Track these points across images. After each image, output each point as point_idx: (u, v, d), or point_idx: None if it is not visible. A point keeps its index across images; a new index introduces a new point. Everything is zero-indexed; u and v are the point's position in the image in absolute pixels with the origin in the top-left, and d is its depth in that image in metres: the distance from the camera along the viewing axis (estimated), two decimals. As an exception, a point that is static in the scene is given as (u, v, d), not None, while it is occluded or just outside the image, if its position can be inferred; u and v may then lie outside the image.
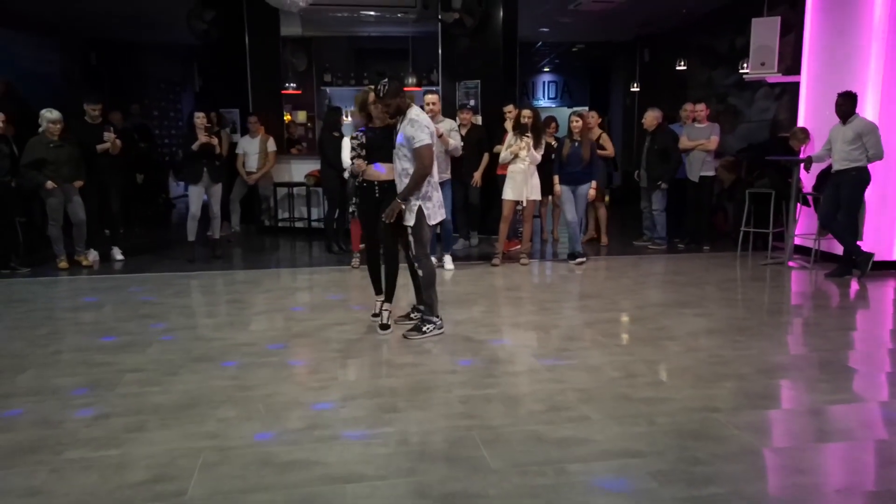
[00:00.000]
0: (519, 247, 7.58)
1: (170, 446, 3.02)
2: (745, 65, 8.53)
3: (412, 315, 4.97)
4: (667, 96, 12.38)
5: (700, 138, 7.99)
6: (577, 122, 7.06)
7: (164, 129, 14.85)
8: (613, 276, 6.71)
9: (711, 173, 8.10)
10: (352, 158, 4.75)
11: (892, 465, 2.89)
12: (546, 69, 18.37)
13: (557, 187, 7.22)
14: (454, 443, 3.05)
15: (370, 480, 2.72)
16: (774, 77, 7.97)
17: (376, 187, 4.68)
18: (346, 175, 5.38)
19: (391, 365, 4.12)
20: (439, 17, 8.33)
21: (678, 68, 11.48)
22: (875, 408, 3.48)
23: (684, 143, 8.05)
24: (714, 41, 10.88)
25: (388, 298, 4.82)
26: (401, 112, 4.48)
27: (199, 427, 3.22)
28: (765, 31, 7.76)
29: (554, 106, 18.37)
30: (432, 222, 4.58)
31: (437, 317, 4.69)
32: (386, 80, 4.43)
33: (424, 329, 4.61)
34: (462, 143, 7.77)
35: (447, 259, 7.03)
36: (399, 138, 4.43)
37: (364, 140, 4.70)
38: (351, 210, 5.44)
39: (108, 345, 4.55)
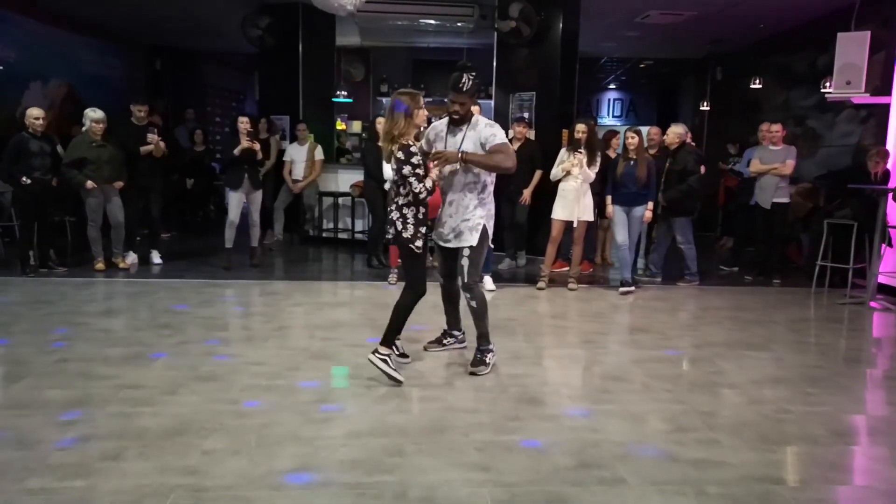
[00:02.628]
0: (567, 268, 7.07)
1: (141, 481, 2.68)
2: (827, 84, 7.82)
3: (445, 341, 4.53)
4: (739, 117, 11.67)
5: (774, 162, 7.31)
6: (632, 138, 6.52)
7: (226, 135, 14.95)
8: (669, 309, 6.12)
9: (785, 200, 7.39)
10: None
11: None
12: (611, 86, 17.77)
13: (610, 208, 6.68)
14: (462, 501, 2.61)
15: (353, 544, 2.31)
16: (861, 97, 7.24)
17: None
18: (387, 186, 4.68)
19: (406, 398, 3.69)
20: (495, 25, 7.94)
21: (752, 87, 10.73)
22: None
23: (756, 166, 7.38)
24: (792, 60, 10.12)
25: (398, 333, 4.05)
26: (467, 117, 3.97)
27: (180, 460, 2.88)
28: (852, 48, 7.06)
29: (619, 124, 17.70)
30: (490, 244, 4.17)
31: (492, 342, 4.21)
32: (464, 70, 3.84)
33: (488, 360, 4.12)
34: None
35: (487, 280, 6.57)
36: (466, 144, 3.92)
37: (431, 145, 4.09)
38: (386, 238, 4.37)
39: (116, 355, 4.29)
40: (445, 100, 3.98)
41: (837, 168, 8.52)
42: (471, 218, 3.98)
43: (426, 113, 3.93)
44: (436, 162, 3.86)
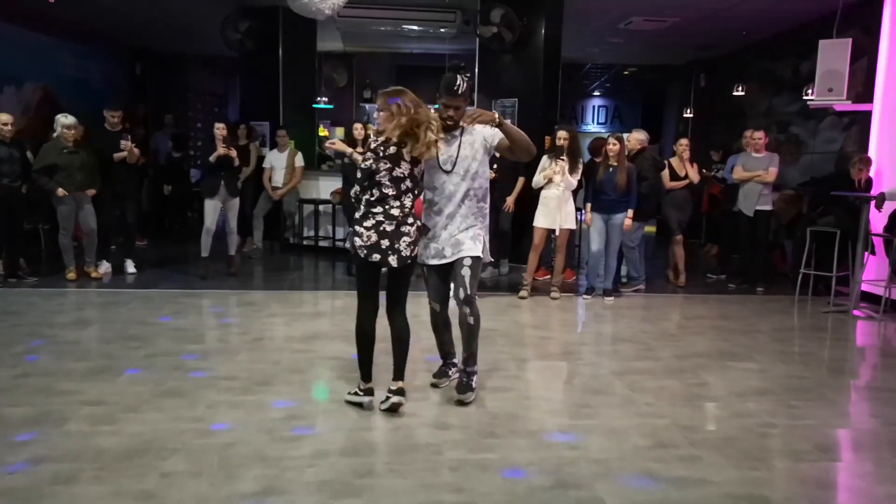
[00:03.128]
0: (549, 276, 6.97)
1: (93, 507, 2.54)
2: (809, 91, 7.79)
3: (451, 372, 3.98)
4: (723, 124, 11.66)
5: (757, 169, 7.26)
6: (613, 144, 6.43)
7: (207, 141, 14.76)
8: (652, 318, 6.03)
9: (768, 207, 7.34)
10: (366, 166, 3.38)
11: None
12: (596, 93, 17.76)
13: (588, 215, 6.59)
14: (430, 526, 2.49)
15: (314, 575, 2.18)
16: (843, 105, 7.21)
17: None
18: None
19: (378, 414, 3.56)
20: (477, 31, 7.85)
21: (736, 94, 10.73)
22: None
23: (739, 173, 7.33)
24: (776, 66, 10.12)
25: (401, 375, 3.58)
26: (456, 123, 3.56)
27: (137, 483, 2.74)
28: (834, 55, 7.03)
29: (604, 132, 17.69)
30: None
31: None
32: (457, 71, 3.50)
33: (474, 384, 3.72)
34: (495, 166, 7.29)
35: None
36: (465, 151, 3.55)
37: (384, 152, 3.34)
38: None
39: (80, 369, 4.14)
40: (436, 105, 3.58)
41: (821, 175, 8.50)
42: (470, 228, 3.61)
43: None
44: (470, 120, 3.52)
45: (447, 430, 3.36)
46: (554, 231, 6.67)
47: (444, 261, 3.61)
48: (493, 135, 3.59)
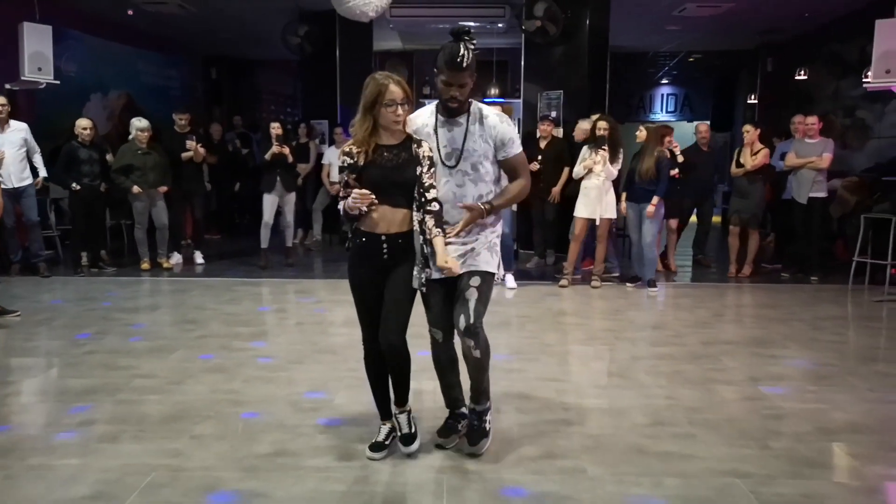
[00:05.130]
0: (592, 267, 7.06)
1: (129, 461, 2.91)
2: (868, 73, 7.50)
3: (461, 426, 3.12)
4: (790, 109, 11.26)
5: (810, 155, 7.07)
6: (640, 132, 6.46)
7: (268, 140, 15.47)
8: (691, 306, 6.03)
9: (822, 194, 7.13)
10: (340, 189, 2.88)
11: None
12: (664, 81, 17.40)
13: (623, 205, 6.62)
14: (416, 487, 2.73)
15: (304, 522, 2.46)
16: (902, 86, 6.92)
17: (384, 242, 2.83)
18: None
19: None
20: (522, 26, 7.98)
21: (799, 78, 10.39)
22: (959, 492, 2.77)
23: (791, 160, 7.16)
24: (842, 48, 9.73)
25: (404, 400, 3.04)
26: (466, 105, 2.89)
27: (170, 443, 3.10)
28: (891, 35, 6.76)
29: (673, 120, 17.33)
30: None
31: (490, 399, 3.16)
32: (460, 38, 2.76)
33: (488, 426, 3.08)
34: (540, 157, 7.43)
35: (509, 278, 6.64)
36: (472, 143, 2.88)
37: (358, 162, 2.77)
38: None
39: (139, 348, 4.61)
40: (437, 83, 2.86)
41: (887, 160, 8.16)
42: (487, 235, 2.97)
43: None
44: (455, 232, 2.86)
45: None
46: (595, 221, 6.75)
47: (448, 274, 2.85)
48: (505, 140, 2.91)
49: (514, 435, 3.21)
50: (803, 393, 3.84)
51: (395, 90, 2.73)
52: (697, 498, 2.65)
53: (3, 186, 5.76)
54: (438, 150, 2.89)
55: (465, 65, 2.74)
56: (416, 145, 2.82)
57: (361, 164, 2.78)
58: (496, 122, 2.91)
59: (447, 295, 2.94)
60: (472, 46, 2.79)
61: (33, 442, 3.12)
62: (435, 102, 2.98)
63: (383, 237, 2.82)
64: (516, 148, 2.95)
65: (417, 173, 2.79)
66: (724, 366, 4.32)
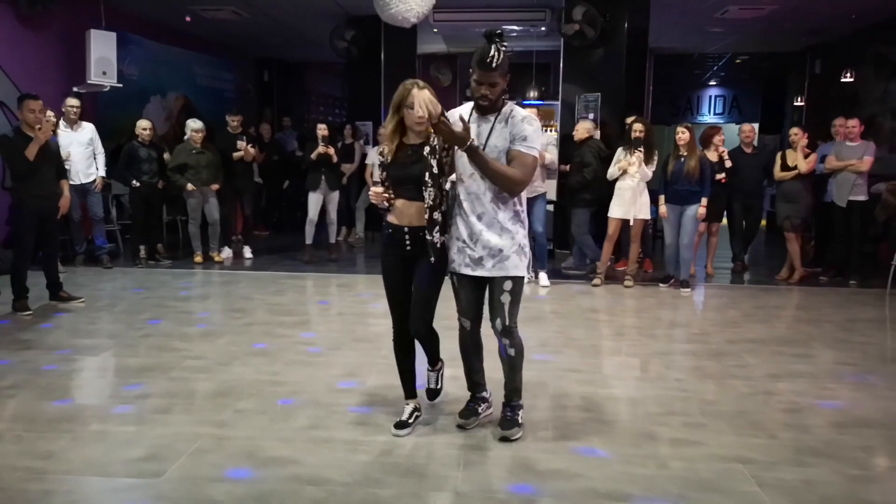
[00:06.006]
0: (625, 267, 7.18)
1: (179, 430, 3.23)
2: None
3: (480, 409, 3.39)
4: (837, 111, 11.09)
5: (851, 158, 7.05)
6: (683, 134, 6.54)
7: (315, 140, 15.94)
8: (720, 307, 6.12)
9: (863, 198, 7.10)
10: (374, 184, 3.16)
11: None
12: (712, 82, 17.25)
13: (663, 208, 6.72)
14: (435, 459, 2.96)
15: (331, 485, 2.72)
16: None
17: (406, 235, 3.10)
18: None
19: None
20: (560, 29, 8.14)
21: (844, 80, 10.27)
22: (960, 484, 2.86)
23: (831, 163, 7.14)
24: (889, 50, 9.57)
25: (435, 362, 3.44)
26: (498, 104, 3.03)
27: (216, 416, 3.42)
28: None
29: (722, 122, 17.17)
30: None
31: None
32: (492, 40, 2.91)
33: (520, 419, 3.24)
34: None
35: (542, 276, 6.83)
36: (495, 140, 3.01)
37: (386, 160, 3.11)
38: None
39: (191, 332, 4.97)
40: (473, 79, 2.98)
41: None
42: (515, 236, 3.06)
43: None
44: (438, 121, 2.85)
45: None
46: (629, 221, 6.87)
47: (480, 272, 3.06)
48: (517, 135, 3.00)
49: (531, 419, 3.41)
50: (820, 390, 3.93)
51: (418, 95, 2.97)
52: (699, 480, 2.81)
53: (70, 182, 6.23)
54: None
55: (494, 65, 2.89)
56: (433, 139, 3.02)
57: (388, 161, 3.07)
58: (519, 121, 3.02)
59: (476, 288, 3.14)
60: (504, 48, 2.94)
61: (94, 411, 3.48)
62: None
63: (406, 229, 3.08)
64: (526, 146, 3.00)
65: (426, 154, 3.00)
66: (745, 363, 4.42)
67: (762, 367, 4.34)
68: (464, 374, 3.38)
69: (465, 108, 3.13)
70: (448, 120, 2.88)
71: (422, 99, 2.95)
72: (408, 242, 3.09)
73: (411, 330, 3.16)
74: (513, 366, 3.19)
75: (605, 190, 6.90)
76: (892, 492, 2.76)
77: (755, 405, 3.67)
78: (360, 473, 2.83)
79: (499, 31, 2.97)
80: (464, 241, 3.07)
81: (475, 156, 2.93)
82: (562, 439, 3.18)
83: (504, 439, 3.15)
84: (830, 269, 7.45)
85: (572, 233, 7.44)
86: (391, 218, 3.13)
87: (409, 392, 3.35)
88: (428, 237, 3.04)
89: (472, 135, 2.98)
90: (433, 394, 3.50)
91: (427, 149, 3.01)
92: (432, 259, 3.06)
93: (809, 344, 4.91)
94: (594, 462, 2.96)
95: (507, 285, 3.06)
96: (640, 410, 3.57)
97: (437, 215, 3.02)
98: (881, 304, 6.33)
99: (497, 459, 2.98)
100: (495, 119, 3.04)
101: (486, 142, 3.03)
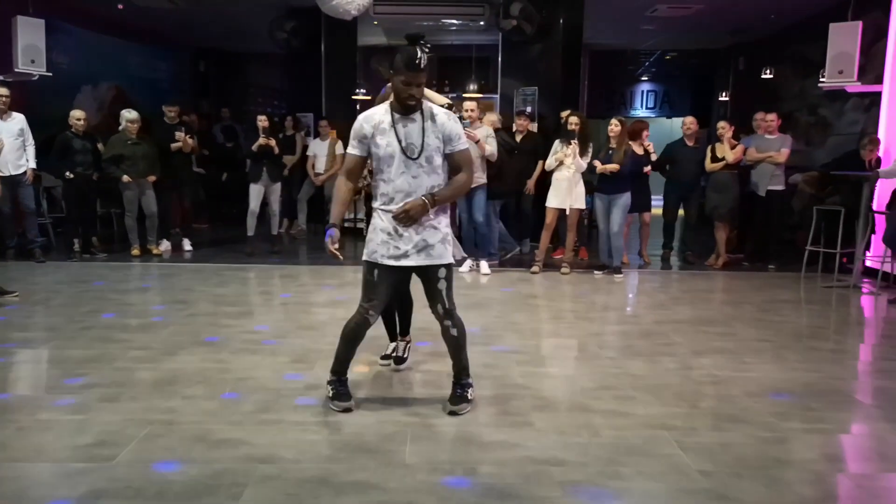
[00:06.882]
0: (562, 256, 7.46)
1: (127, 416, 3.27)
2: (823, 74, 7.95)
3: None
4: (759, 107, 11.69)
5: (769, 150, 7.52)
6: (615, 126, 6.85)
7: (254, 132, 15.73)
8: (651, 291, 6.46)
9: (780, 187, 7.58)
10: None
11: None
12: (644, 78, 17.84)
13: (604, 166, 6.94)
14: (383, 437, 3.10)
15: (283, 463, 2.83)
16: (854, 87, 7.37)
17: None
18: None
19: (362, 362, 4.15)
20: (498, 24, 8.36)
21: (765, 77, 10.88)
22: (844, 441, 3.18)
23: (752, 154, 7.59)
24: (806, 49, 10.18)
25: (406, 332, 4.06)
26: (420, 103, 3.20)
27: (164, 402, 3.46)
28: (844, 38, 7.22)
29: (653, 116, 17.79)
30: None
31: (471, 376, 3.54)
32: (417, 43, 3.11)
33: (469, 396, 3.44)
34: (516, 151, 7.80)
35: (483, 264, 7.04)
36: (430, 140, 3.18)
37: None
38: None
39: (133, 324, 4.95)
40: (394, 83, 3.15)
41: (839, 156, 8.61)
42: (439, 227, 3.28)
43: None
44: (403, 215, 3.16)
45: (410, 372, 3.97)
46: (565, 211, 7.13)
47: (406, 263, 3.24)
48: (453, 136, 3.22)
49: (473, 396, 3.59)
50: (738, 364, 4.25)
51: None
52: (628, 446, 3.04)
53: (1, 174, 6.06)
54: (400, 144, 3.18)
55: (421, 66, 3.09)
56: None
57: None
58: (445, 120, 3.22)
59: (395, 280, 3.37)
60: (427, 49, 3.14)
61: (39, 401, 3.48)
62: (388, 101, 3.26)
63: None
64: (462, 144, 3.26)
65: None
66: (671, 341, 4.72)
67: (687, 344, 4.64)
68: (341, 358, 3.44)
69: (381, 110, 3.25)
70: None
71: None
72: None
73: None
74: (458, 345, 3.40)
75: (512, 182, 7.28)
76: (798, 450, 3.05)
77: (679, 379, 3.95)
78: (311, 451, 2.94)
79: (422, 34, 3.17)
80: (389, 234, 3.23)
81: (438, 202, 3.22)
82: (503, 415, 3.37)
83: (453, 413, 3.34)
84: (752, 255, 7.92)
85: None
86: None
87: (393, 335, 4.05)
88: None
89: (402, 136, 3.17)
90: (400, 361, 4.03)
91: None
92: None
93: (730, 323, 5.26)
94: (532, 433, 3.15)
95: (442, 272, 3.29)
96: (575, 386, 3.80)
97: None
98: (797, 286, 6.79)
99: (442, 434, 3.14)
100: (421, 118, 3.19)
101: (423, 141, 3.18)
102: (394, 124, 3.18)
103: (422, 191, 3.19)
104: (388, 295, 3.40)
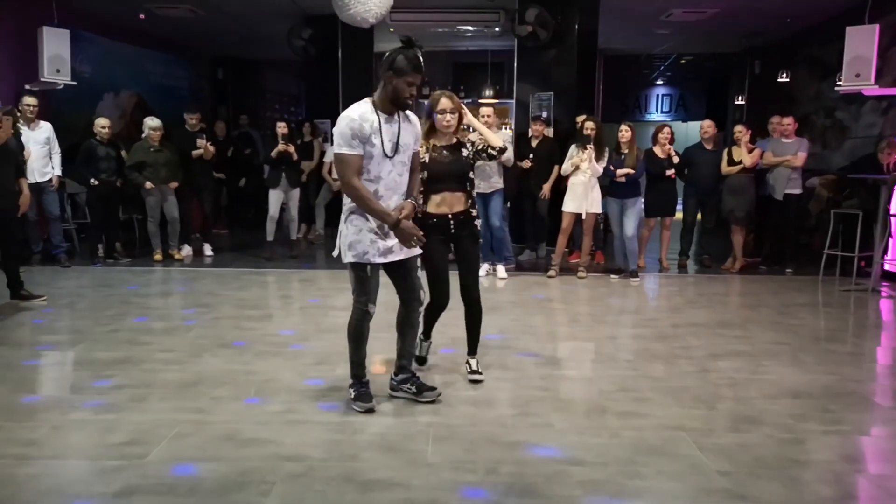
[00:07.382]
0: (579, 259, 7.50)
1: (157, 416, 3.37)
2: (840, 77, 7.95)
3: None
4: (775, 110, 11.67)
5: (786, 153, 7.51)
6: (626, 131, 6.90)
7: (273, 138, 15.91)
8: (668, 295, 6.48)
9: (797, 191, 7.57)
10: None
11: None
12: (659, 82, 17.84)
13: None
14: (406, 436, 3.17)
15: (310, 461, 2.91)
16: (871, 90, 7.36)
17: (451, 220, 3.75)
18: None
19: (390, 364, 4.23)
20: (514, 30, 8.43)
21: (780, 80, 10.86)
22: (862, 443, 3.21)
23: (768, 158, 7.59)
24: (822, 52, 10.16)
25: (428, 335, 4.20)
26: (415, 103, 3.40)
27: (192, 403, 3.55)
28: (860, 41, 7.22)
29: (668, 120, 17.77)
30: None
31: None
32: (414, 45, 3.27)
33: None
34: (532, 156, 7.85)
35: (500, 268, 7.10)
36: (406, 138, 3.35)
37: (424, 160, 3.64)
38: None
39: (158, 327, 5.06)
40: (395, 84, 3.20)
41: (856, 159, 8.60)
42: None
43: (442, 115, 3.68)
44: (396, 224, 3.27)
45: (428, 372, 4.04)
46: (581, 215, 7.17)
47: (391, 258, 3.39)
48: (419, 138, 3.51)
49: (493, 399, 3.65)
50: (755, 366, 4.28)
51: (445, 102, 3.67)
52: (647, 446, 3.09)
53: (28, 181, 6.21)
54: (383, 144, 3.25)
55: (422, 67, 3.26)
56: (465, 140, 3.78)
57: (427, 161, 3.67)
58: (416, 121, 3.47)
59: (382, 275, 3.48)
60: (422, 51, 3.31)
61: (71, 402, 3.58)
62: (368, 102, 3.28)
63: (450, 216, 3.74)
64: (417, 144, 3.52)
65: (465, 155, 3.76)
66: (688, 344, 4.75)
67: (704, 347, 4.67)
68: (356, 360, 3.53)
69: (365, 108, 3.26)
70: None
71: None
72: (452, 226, 3.76)
73: (444, 298, 3.85)
74: (413, 330, 3.73)
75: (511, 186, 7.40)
76: (817, 451, 3.09)
77: (697, 381, 3.98)
78: (337, 450, 3.02)
79: (415, 38, 3.31)
80: (375, 233, 3.32)
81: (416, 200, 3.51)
82: (523, 416, 3.43)
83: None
84: (769, 259, 7.91)
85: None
86: (433, 209, 3.73)
87: (428, 333, 4.16)
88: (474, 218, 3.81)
89: (387, 136, 3.26)
90: (422, 360, 4.16)
91: (465, 151, 3.75)
92: (480, 240, 3.98)
93: (747, 326, 5.28)
94: (552, 434, 3.21)
95: (419, 262, 3.64)
96: (594, 388, 3.85)
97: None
98: (814, 289, 6.78)
99: (464, 434, 3.20)
100: (399, 119, 3.33)
101: (399, 140, 3.30)
102: (380, 125, 3.26)
103: (403, 188, 3.38)
104: (378, 286, 3.47)
